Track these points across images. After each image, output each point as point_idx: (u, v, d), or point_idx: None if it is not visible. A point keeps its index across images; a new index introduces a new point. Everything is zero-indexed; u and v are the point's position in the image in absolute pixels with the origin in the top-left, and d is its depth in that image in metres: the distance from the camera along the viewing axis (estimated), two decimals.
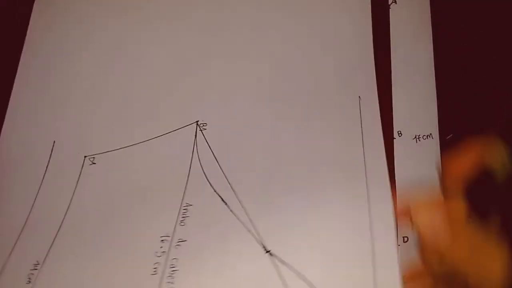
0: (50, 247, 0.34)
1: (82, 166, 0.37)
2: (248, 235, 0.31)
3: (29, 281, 0.33)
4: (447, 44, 0.33)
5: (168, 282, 0.31)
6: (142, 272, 0.32)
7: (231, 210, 0.32)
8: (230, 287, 0.30)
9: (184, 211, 0.33)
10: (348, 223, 0.30)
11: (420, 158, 0.31)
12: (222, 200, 0.32)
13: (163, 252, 0.32)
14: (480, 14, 0.33)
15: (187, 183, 0.34)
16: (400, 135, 0.32)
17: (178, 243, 0.32)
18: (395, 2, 0.35)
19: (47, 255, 0.33)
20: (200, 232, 0.32)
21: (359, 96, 0.33)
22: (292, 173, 0.33)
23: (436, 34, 0.34)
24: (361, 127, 0.32)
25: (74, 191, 0.36)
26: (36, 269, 0.33)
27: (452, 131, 0.31)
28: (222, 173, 0.34)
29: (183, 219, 0.33)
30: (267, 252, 0.30)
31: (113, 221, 0.34)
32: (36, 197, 0.36)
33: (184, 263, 0.31)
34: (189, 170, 0.35)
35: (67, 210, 0.35)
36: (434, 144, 0.31)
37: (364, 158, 0.31)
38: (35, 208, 0.35)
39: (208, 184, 0.34)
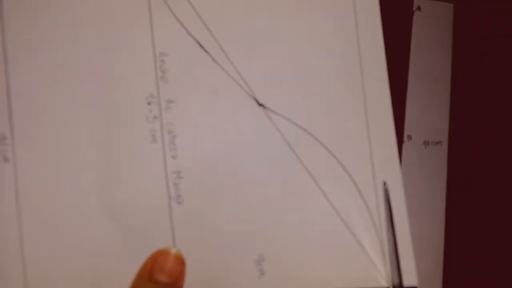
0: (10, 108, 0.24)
1: None
2: (238, 89, 0.30)
3: (6, 159, 0.24)
4: (466, 54, 0.33)
5: (171, 149, 0.28)
6: (139, 142, 0.27)
7: (213, 60, 0.29)
8: (232, 145, 0.29)
9: (161, 63, 0.28)
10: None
11: (427, 164, 0.31)
12: (201, 46, 0.29)
13: (155, 117, 0.27)
14: (502, 28, 0.33)
15: (151, 21, 0.28)
16: (409, 139, 0.32)
17: (168, 106, 0.28)
18: (419, 9, 0.33)
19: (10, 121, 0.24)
20: (186, 87, 0.28)
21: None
22: (276, 20, 0.30)
23: (456, 43, 0.33)
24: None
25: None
26: (7, 144, 0.24)
27: (462, 140, 0.32)
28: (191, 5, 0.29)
29: (162, 73, 0.28)
30: (260, 105, 0.30)
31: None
32: None
33: (181, 127, 0.28)
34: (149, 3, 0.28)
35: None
36: (443, 151, 0.32)
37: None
38: None
39: (177, 23, 0.28)
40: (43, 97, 0.26)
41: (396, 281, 0.28)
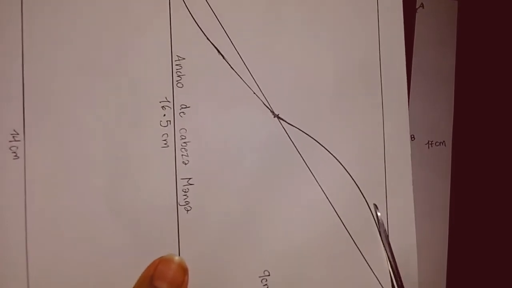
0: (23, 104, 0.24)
1: None
2: (254, 98, 0.29)
3: (16, 156, 0.24)
4: (471, 52, 0.32)
5: (183, 155, 0.27)
6: (152, 146, 0.26)
7: (231, 67, 0.29)
8: (244, 154, 0.29)
9: (178, 67, 0.27)
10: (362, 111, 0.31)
11: (431, 164, 0.31)
12: (219, 52, 0.28)
13: (168, 121, 0.27)
14: (506, 26, 0.32)
15: (170, 24, 0.27)
16: (413, 139, 0.32)
17: (181, 111, 0.27)
18: (423, 6, 0.32)
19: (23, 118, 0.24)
20: (201, 93, 0.28)
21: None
22: (296, 31, 0.29)
23: (460, 42, 0.32)
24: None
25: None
26: (17, 140, 0.24)
27: (466, 140, 0.31)
28: (210, 9, 0.28)
29: (179, 78, 0.27)
30: (275, 116, 0.30)
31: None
32: None
33: (193, 133, 0.28)
34: (169, 3, 0.28)
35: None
36: (446, 152, 0.31)
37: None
38: None
39: (196, 26, 0.28)
40: (57, 96, 0.25)
41: None
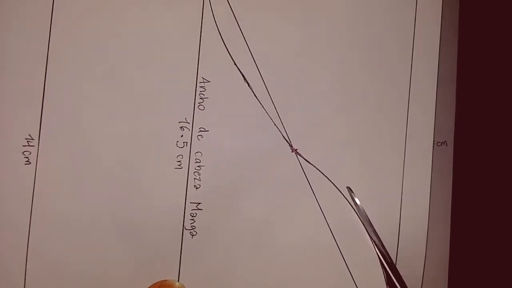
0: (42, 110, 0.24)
1: None
2: (274, 129, 0.28)
3: (28, 161, 0.24)
4: (473, 52, 0.31)
5: (195, 178, 0.27)
6: (166, 165, 0.26)
7: (255, 95, 0.28)
8: (256, 185, 0.28)
9: (201, 90, 0.27)
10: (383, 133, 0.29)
11: (433, 164, 0.30)
12: (245, 79, 0.28)
13: (185, 142, 0.27)
14: (509, 26, 0.31)
15: (200, 45, 0.27)
16: None
17: (199, 134, 0.27)
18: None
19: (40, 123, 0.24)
20: (221, 118, 0.27)
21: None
22: (325, 70, 0.29)
23: (462, 40, 0.31)
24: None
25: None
26: (31, 145, 0.24)
27: (468, 140, 0.30)
28: (242, 36, 0.28)
29: (201, 100, 0.27)
30: (293, 150, 0.29)
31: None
32: None
33: (208, 158, 0.27)
34: (201, 25, 0.27)
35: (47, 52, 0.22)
36: (448, 152, 0.31)
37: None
38: None
39: (226, 51, 0.28)
40: (76, 106, 0.25)
41: None
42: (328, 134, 0.28)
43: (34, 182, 0.24)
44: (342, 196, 0.28)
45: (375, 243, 0.28)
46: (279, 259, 0.27)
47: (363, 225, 0.28)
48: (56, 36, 0.25)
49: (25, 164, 0.24)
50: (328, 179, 0.28)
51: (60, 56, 0.25)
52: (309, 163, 0.28)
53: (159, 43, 0.26)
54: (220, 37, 0.27)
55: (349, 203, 0.28)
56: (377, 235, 0.28)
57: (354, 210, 0.28)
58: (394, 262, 0.28)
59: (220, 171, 0.27)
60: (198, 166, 0.26)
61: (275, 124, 0.28)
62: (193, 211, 0.26)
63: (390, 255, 0.28)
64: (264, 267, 0.27)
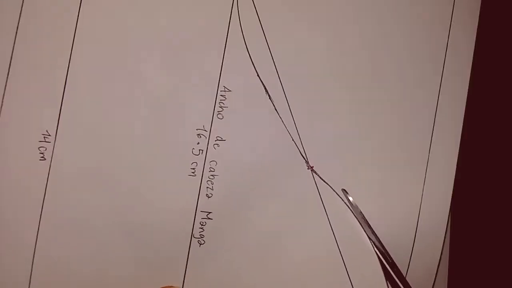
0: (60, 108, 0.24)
1: None
2: (291, 144, 0.28)
3: (43, 157, 0.24)
4: (490, 53, 0.29)
5: (208, 187, 0.27)
6: (179, 171, 0.26)
7: (275, 109, 0.28)
8: (269, 200, 0.27)
9: (222, 98, 0.27)
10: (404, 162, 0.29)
11: None
12: (267, 92, 0.27)
13: (200, 150, 0.26)
14: None
15: (224, 54, 0.27)
16: None
17: (216, 142, 0.27)
18: None
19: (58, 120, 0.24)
20: (239, 129, 0.27)
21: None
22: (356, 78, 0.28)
23: (480, 41, 0.29)
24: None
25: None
26: (48, 141, 0.24)
27: (475, 143, 0.29)
28: (268, 47, 0.27)
29: (220, 109, 0.27)
30: (309, 167, 0.29)
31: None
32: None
33: (223, 168, 0.27)
34: (227, 36, 0.27)
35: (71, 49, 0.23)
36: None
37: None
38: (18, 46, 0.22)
39: (250, 62, 0.27)
40: (95, 105, 0.25)
41: None
42: (346, 154, 0.28)
43: (47, 179, 0.24)
44: (355, 218, 0.27)
45: (374, 244, 0.27)
46: (285, 274, 0.27)
47: (361, 225, 0.27)
48: (81, 35, 0.25)
49: (40, 160, 0.24)
50: (342, 199, 0.27)
51: (83, 55, 0.25)
52: (324, 181, 0.27)
53: (183, 47, 0.26)
54: (245, 47, 0.27)
55: (362, 227, 0.27)
56: (377, 236, 0.27)
57: (351, 211, 0.27)
58: (410, 256, 0.28)
59: (233, 181, 0.26)
60: (212, 175, 0.26)
61: (293, 140, 0.27)
62: (203, 220, 0.26)
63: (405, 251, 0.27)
64: (270, 280, 0.27)
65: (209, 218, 0.26)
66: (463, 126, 0.29)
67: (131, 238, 0.25)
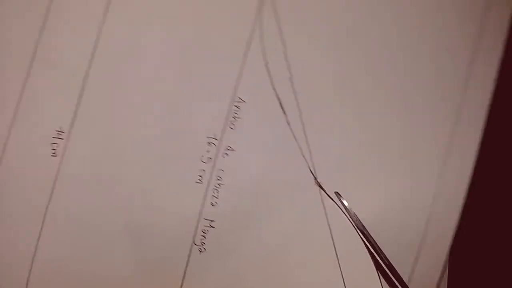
0: (76, 106, 0.25)
1: None
2: (301, 160, 0.28)
3: (55, 153, 0.24)
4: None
5: (213, 195, 0.27)
6: (186, 177, 0.26)
7: (288, 122, 0.27)
8: (274, 213, 0.27)
9: (235, 109, 0.27)
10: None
11: None
12: (281, 106, 0.27)
13: (209, 158, 0.26)
14: None
15: (242, 67, 0.27)
16: None
17: (225, 152, 0.27)
18: None
19: (73, 118, 0.25)
20: (250, 141, 0.27)
21: None
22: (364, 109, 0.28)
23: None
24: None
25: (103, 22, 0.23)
26: (60, 138, 0.24)
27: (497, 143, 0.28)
28: (287, 66, 0.27)
29: (233, 119, 0.27)
30: (316, 183, 0.28)
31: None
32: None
33: (230, 178, 0.27)
34: (247, 47, 0.27)
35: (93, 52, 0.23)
36: None
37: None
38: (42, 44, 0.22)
39: (267, 75, 0.27)
40: (112, 106, 0.26)
41: None
42: (356, 172, 0.28)
43: (57, 175, 0.25)
44: (360, 238, 0.27)
45: (371, 246, 0.27)
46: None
47: (355, 228, 0.27)
48: (103, 38, 0.25)
49: (52, 156, 0.25)
50: (347, 217, 0.27)
51: (104, 57, 0.25)
52: (331, 198, 0.27)
53: (202, 53, 0.26)
54: (264, 60, 0.27)
55: (365, 244, 0.27)
56: (373, 239, 0.27)
57: (345, 214, 0.27)
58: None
59: (239, 192, 0.26)
60: (218, 184, 0.26)
61: (303, 155, 0.27)
62: (205, 228, 0.26)
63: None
64: None
65: (212, 227, 0.26)
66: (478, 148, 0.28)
67: (132, 239, 0.26)
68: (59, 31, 0.25)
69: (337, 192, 0.27)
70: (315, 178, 0.27)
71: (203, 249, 0.26)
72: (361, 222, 0.27)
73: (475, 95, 0.28)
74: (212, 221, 0.26)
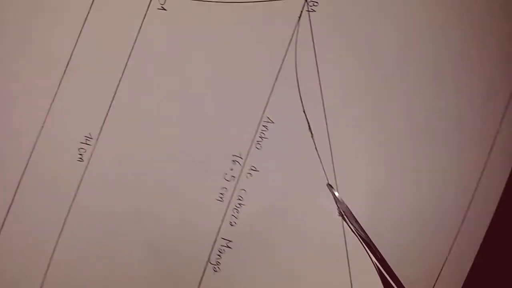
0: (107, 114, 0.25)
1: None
2: (325, 189, 0.27)
3: (81, 158, 0.25)
4: None
5: (232, 215, 0.26)
6: (208, 194, 0.26)
7: (316, 150, 0.27)
8: (293, 241, 0.26)
9: (263, 129, 0.26)
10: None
11: None
12: (310, 129, 0.27)
13: (232, 176, 0.26)
14: None
15: (274, 84, 0.26)
16: None
17: (249, 172, 0.26)
18: None
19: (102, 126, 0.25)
20: (275, 162, 0.26)
21: None
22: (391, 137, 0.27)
23: None
24: None
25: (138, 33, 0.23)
26: (88, 144, 0.25)
27: None
28: (319, 84, 0.27)
29: (260, 139, 0.26)
30: (340, 214, 0.27)
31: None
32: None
33: (251, 199, 0.26)
34: (280, 68, 0.26)
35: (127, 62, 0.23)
36: None
37: None
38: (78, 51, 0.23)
39: (298, 97, 0.27)
40: (142, 116, 0.26)
41: None
42: (385, 206, 0.26)
43: (81, 181, 0.25)
44: (376, 271, 0.26)
45: (362, 239, 0.26)
46: None
47: (348, 222, 0.26)
48: (139, 51, 0.26)
49: (78, 160, 0.25)
50: (367, 253, 0.26)
51: (138, 69, 0.26)
52: (353, 231, 0.26)
53: (235, 71, 0.26)
54: (296, 81, 0.26)
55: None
56: (364, 231, 0.26)
57: (337, 206, 0.26)
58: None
59: (259, 214, 0.26)
60: (239, 204, 0.26)
61: (328, 183, 0.26)
62: (222, 247, 0.26)
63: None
64: None
65: (229, 247, 0.26)
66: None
67: (149, 250, 0.26)
68: (95, 39, 0.26)
69: (329, 184, 0.26)
70: (339, 209, 0.26)
71: (217, 269, 0.26)
72: (353, 215, 0.26)
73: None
74: (229, 241, 0.26)
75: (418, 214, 0.26)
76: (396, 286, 0.26)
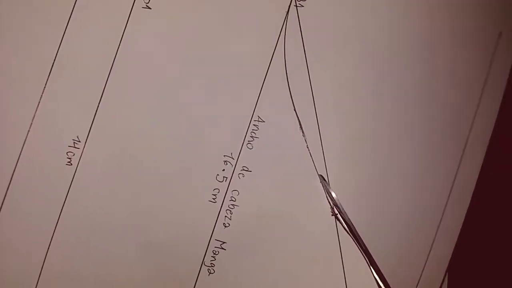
0: (94, 116, 0.24)
1: None
2: (318, 188, 0.26)
3: (70, 162, 0.24)
4: None
5: (226, 216, 0.26)
6: (200, 195, 0.25)
7: (307, 147, 0.27)
8: (287, 240, 0.26)
9: (254, 128, 0.26)
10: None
11: None
12: (301, 128, 0.26)
13: (225, 177, 0.26)
14: None
15: (263, 83, 0.26)
16: None
17: (241, 172, 0.26)
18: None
19: (90, 128, 0.24)
20: (266, 162, 0.26)
21: None
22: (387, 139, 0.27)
23: None
24: None
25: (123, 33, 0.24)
26: (77, 147, 0.24)
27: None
28: (309, 82, 0.26)
29: (251, 139, 0.26)
30: (333, 215, 0.27)
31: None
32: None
33: (244, 199, 0.26)
34: (269, 66, 0.26)
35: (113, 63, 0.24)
36: None
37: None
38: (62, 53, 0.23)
39: (289, 95, 0.26)
40: (129, 118, 0.25)
41: None
42: (377, 205, 0.26)
43: (70, 184, 0.25)
44: (372, 276, 0.26)
45: (351, 231, 0.26)
46: None
47: (338, 212, 0.26)
48: (124, 51, 0.25)
49: (66, 164, 0.24)
50: (362, 253, 0.26)
51: (124, 70, 0.25)
52: (347, 232, 0.26)
53: (223, 70, 0.26)
54: (286, 79, 0.26)
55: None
56: (351, 223, 0.26)
57: (327, 198, 0.26)
58: None
59: (253, 215, 0.26)
60: (232, 205, 0.26)
61: (320, 182, 0.26)
62: (216, 249, 0.25)
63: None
64: None
65: (223, 248, 0.26)
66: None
67: (142, 253, 0.25)
68: (79, 39, 0.25)
69: (321, 175, 0.26)
70: (332, 209, 0.26)
71: (212, 271, 0.25)
72: (341, 207, 0.26)
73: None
74: (223, 242, 0.26)
75: (401, 213, 0.27)
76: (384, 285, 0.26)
